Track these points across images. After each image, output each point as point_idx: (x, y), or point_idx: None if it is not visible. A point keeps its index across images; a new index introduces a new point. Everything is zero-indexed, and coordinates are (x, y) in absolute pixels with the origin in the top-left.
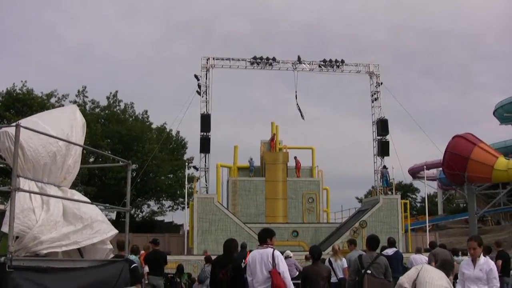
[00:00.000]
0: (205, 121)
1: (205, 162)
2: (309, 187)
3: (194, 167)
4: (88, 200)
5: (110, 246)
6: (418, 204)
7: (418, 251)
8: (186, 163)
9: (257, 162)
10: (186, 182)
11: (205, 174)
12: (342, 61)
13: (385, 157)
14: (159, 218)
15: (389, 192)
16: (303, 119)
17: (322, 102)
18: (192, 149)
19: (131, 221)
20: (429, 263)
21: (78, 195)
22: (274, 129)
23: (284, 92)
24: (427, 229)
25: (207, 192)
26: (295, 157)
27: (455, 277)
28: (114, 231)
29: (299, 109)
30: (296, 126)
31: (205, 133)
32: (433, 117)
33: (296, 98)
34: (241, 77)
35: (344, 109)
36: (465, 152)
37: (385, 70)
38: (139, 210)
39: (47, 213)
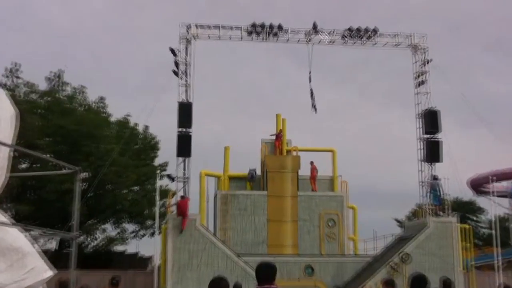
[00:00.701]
0: (185, 113)
1: (184, 169)
2: (329, 205)
3: (169, 177)
4: (17, 225)
5: None
6: (484, 231)
7: None
8: (158, 171)
9: (257, 170)
10: (158, 198)
11: (184, 186)
12: (375, 31)
13: (436, 164)
14: (119, 248)
15: (442, 213)
16: (315, 111)
17: (346, 87)
18: (166, 151)
19: (79, 252)
20: None
21: (2, 217)
22: (280, 124)
23: (294, 73)
24: (498, 266)
25: (184, 228)
26: (311, 163)
27: None
28: (52, 271)
29: (312, 97)
30: (310, 120)
31: (184, 129)
32: (503, 108)
33: (310, 81)
34: (235, 52)
35: (377, 97)
36: None
37: (435, 43)
38: (91, 237)
39: None
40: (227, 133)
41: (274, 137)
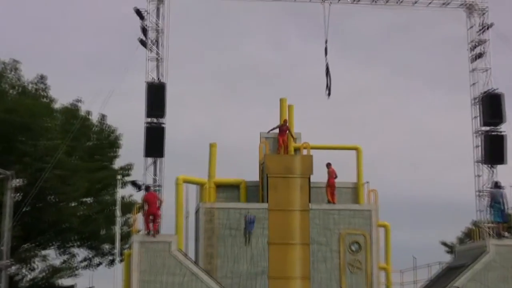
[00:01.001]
0: (156, 97)
1: (155, 174)
2: (353, 222)
3: (134, 184)
4: None
5: None
6: None
7: None
8: (119, 177)
9: (252, 174)
10: (119, 213)
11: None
12: None
13: (498, 166)
14: (67, 281)
15: (506, 234)
16: (328, 95)
17: (375, 64)
18: (130, 150)
19: (12, 287)
20: None
21: None
22: (285, 112)
23: (305, 44)
24: None
25: (158, 232)
26: (328, 166)
27: None
28: None
29: (328, 76)
30: (326, 108)
31: (155, 120)
32: None
33: (326, 54)
34: (224, 15)
35: (416, 77)
36: None
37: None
38: (27, 267)
39: None
40: (213, 125)
41: (277, 131)
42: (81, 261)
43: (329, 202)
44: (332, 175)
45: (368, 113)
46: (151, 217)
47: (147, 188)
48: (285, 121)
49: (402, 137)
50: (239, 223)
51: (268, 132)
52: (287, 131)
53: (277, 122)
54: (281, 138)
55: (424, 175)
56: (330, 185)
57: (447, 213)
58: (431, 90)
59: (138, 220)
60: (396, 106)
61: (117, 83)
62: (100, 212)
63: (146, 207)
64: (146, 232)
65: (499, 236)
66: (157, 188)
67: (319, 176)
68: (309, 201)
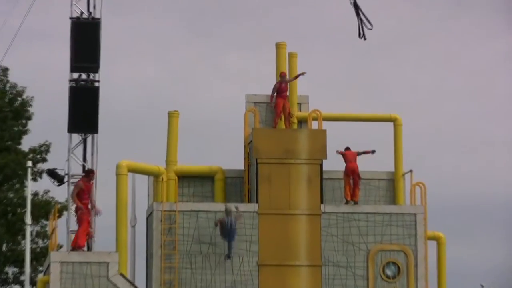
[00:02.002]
0: (85, 41)
1: (85, 158)
2: (388, 232)
3: (52, 174)
4: None
5: None
6: None
7: None
8: (29, 162)
9: (233, 159)
10: (28, 219)
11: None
12: None
13: None
14: None
15: None
16: (364, 38)
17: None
18: (46, 122)
19: None
20: None
21: None
22: (284, 62)
23: None
24: None
25: (88, 249)
26: (345, 153)
27: None
28: None
29: (358, 11)
30: (346, 58)
31: (83, 76)
32: None
33: None
34: None
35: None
36: None
37: None
38: None
39: None
40: (172, 83)
41: (272, 91)
42: None
43: (348, 201)
44: (351, 157)
45: (406, 68)
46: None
47: (88, 172)
48: (282, 74)
49: (459, 105)
50: (214, 234)
51: (271, 100)
52: (286, 91)
53: (272, 80)
54: (281, 102)
55: (492, 162)
56: (350, 174)
57: None
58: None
59: (60, 228)
60: (450, 58)
61: (24, 19)
62: (1, 216)
63: (79, 205)
64: (70, 248)
65: None
66: (87, 178)
67: (337, 161)
68: (321, 201)
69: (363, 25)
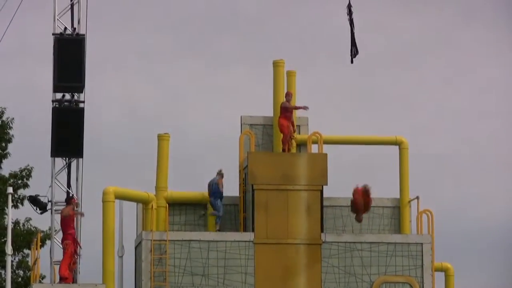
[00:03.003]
0: (69, 59)
1: (69, 184)
2: (393, 263)
3: (34, 201)
4: None
5: None
6: None
7: None
8: (10, 189)
9: (227, 185)
10: (9, 249)
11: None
12: None
13: None
14: None
15: None
16: (352, 58)
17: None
18: (28, 145)
19: None
20: None
21: None
22: (282, 81)
23: None
24: None
25: (74, 280)
26: (363, 190)
27: None
28: None
29: (352, 27)
30: (349, 76)
31: (67, 96)
32: None
33: None
34: None
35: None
36: None
37: None
38: None
39: None
40: (163, 104)
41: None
42: None
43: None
44: (361, 195)
45: (412, 85)
46: (76, 250)
47: (70, 200)
48: (288, 94)
49: (470, 126)
50: (208, 266)
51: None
52: (290, 112)
53: (268, 98)
54: (286, 124)
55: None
56: (357, 204)
57: None
58: None
59: (42, 259)
60: (458, 72)
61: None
62: None
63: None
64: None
65: None
66: (73, 207)
67: (338, 187)
68: (322, 230)
69: (355, 46)
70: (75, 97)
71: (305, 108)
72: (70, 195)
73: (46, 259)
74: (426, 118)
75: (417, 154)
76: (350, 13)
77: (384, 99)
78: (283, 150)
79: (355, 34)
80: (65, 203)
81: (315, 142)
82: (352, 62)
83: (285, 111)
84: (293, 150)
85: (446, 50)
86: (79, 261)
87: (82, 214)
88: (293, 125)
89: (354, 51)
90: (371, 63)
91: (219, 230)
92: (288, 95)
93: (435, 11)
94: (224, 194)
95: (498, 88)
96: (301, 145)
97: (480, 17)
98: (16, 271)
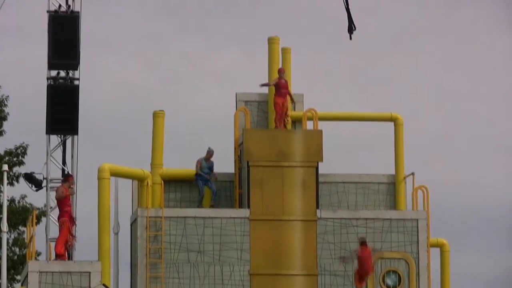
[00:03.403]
0: (64, 36)
1: (64, 161)
2: (388, 239)
3: (30, 178)
4: None
5: None
6: None
7: None
8: (5, 166)
9: (222, 161)
10: (5, 226)
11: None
12: None
13: None
14: None
15: None
16: (350, 35)
17: None
18: (23, 122)
19: None
20: None
21: None
22: (277, 58)
23: None
24: None
25: (69, 257)
26: (362, 243)
27: None
28: None
29: (347, 4)
30: (345, 53)
31: (62, 73)
32: None
33: None
34: None
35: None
36: None
37: None
38: None
39: None
40: (157, 81)
41: (265, 88)
42: None
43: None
44: (366, 260)
45: (407, 66)
46: (73, 228)
47: (67, 177)
48: (281, 71)
49: (464, 106)
50: (203, 243)
51: (262, 86)
52: (284, 87)
53: (263, 76)
54: (281, 101)
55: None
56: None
57: None
58: None
59: (38, 236)
60: (454, 55)
61: None
62: None
63: (64, 208)
64: (56, 255)
65: None
66: (67, 183)
67: (333, 164)
68: (317, 206)
69: (352, 22)
70: (70, 74)
71: (267, 85)
72: (66, 172)
73: (41, 236)
74: (423, 97)
75: (413, 133)
76: None
77: (380, 78)
78: (276, 128)
79: (350, 10)
80: (61, 181)
81: (310, 119)
82: (350, 38)
83: (278, 88)
84: (288, 126)
85: (444, 32)
86: (75, 240)
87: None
88: (292, 100)
89: (352, 27)
90: (368, 44)
91: (212, 207)
92: (280, 72)
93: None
94: (220, 171)
95: (496, 69)
96: (296, 121)
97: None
98: (12, 248)
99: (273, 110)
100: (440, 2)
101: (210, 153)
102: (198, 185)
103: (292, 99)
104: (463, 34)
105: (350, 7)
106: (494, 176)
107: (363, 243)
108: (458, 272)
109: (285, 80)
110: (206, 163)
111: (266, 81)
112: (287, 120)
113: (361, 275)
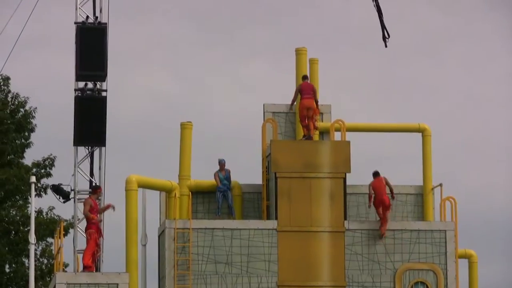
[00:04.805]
0: (91, 48)
1: (92, 173)
2: (416, 251)
3: (57, 190)
4: None
5: None
6: None
7: None
8: (33, 178)
9: (250, 173)
10: (33, 238)
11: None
12: None
13: None
14: None
15: None
16: (386, 43)
17: None
18: (51, 134)
19: None
20: None
21: None
22: (305, 69)
23: None
24: None
25: (97, 269)
26: (376, 175)
27: None
28: None
29: (380, 14)
30: (373, 64)
31: (90, 85)
32: None
33: None
34: None
35: None
36: None
37: None
38: None
39: None
40: (185, 93)
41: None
42: None
43: (379, 215)
44: (380, 189)
45: (435, 74)
46: (99, 240)
47: (95, 189)
48: (305, 77)
49: (492, 115)
50: (231, 254)
51: (291, 108)
52: (311, 98)
53: (291, 87)
54: (306, 107)
55: None
56: (381, 206)
57: None
58: None
59: (66, 247)
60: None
61: (25, 25)
62: (1, 236)
63: (94, 220)
64: (84, 266)
65: None
66: (95, 195)
67: (361, 175)
68: (345, 217)
69: (385, 30)
70: (98, 86)
71: (292, 103)
72: (94, 184)
73: (69, 248)
74: (450, 106)
75: (441, 142)
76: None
77: (407, 87)
78: (303, 134)
79: (383, 18)
80: (88, 193)
81: (338, 130)
82: (386, 46)
83: (302, 93)
84: (316, 137)
85: (470, 39)
86: (102, 251)
87: (109, 208)
88: (316, 103)
89: (386, 35)
90: (395, 53)
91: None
92: (305, 78)
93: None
94: (247, 182)
95: None
96: (324, 132)
97: (503, 5)
98: (40, 260)
99: (306, 121)
100: (467, 8)
101: (221, 162)
102: (217, 198)
103: (316, 101)
104: (490, 40)
105: (383, 15)
106: None
107: (376, 174)
108: (486, 283)
109: (308, 82)
110: (221, 174)
111: (293, 91)
112: (311, 125)
113: (378, 204)
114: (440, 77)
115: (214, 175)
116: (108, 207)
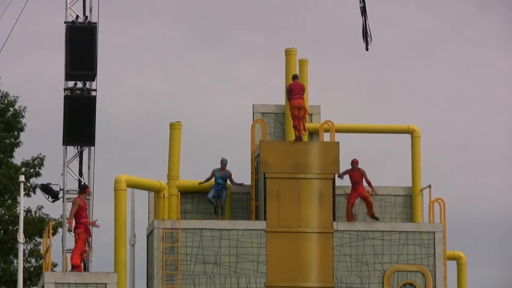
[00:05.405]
0: (81, 47)
1: (81, 172)
2: (405, 252)
3: (46, 189)
4: None
5: None
6: None
7: None
8: (22, 177)
9: (239, 173)
10: (21, 237)
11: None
12: None
13: None
14: None
15: None
16: (367, 46)
17: None
18: (40, 134)
19: None
20: None
21: None
22: (294, 70)
23: None
24: None
25: (85, 268)
26: (354, 164)
27: None
28: None
29: (364, 13)
30: (359, 64)
31: (79, 85)
32: None
33: None
34: None
35: None
36: None
37: None
38: None
39: None
40: (175, 93)
41: (282, 99)
42: None
43: (370, 215)
44: (357, 179)
45: (426, 77)
46: (88, 240)
47: (83, 189)
48: (295, 77)
49: (480, 117)
50: (220, 255)
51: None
52: (300, 98)
53: (281, 87)
54: (296, 106)
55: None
56: (360, 193)
57: None
58: None
59: (54, 247)
60: (469, 67)
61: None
62: None
63: (80, 220)
64: (72, 266)
65: None
66: (83, 195)
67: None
68: (334, 218)
69: (368, 32)
70: (87, 85)
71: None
72: (83, 183)
73: (58, 247)
74: (441, 108)
75: (430, 143)
76: (362, 0)
77: (397, 88)
78: (295, 135)
79: (368, 22)
80: (77, 192)
81: (327, 131)
82: (367, 49)
83: (292, 93)
84: (305, 138)
85: (461, 41)
86: (91, 251)
87: (94, 225)
88: (306, 111)
89: (367, 39)
90: (385, 55)
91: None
92: (295, 78)
93: (450, 2)
94: (237, 182)
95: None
96: (313, 133)
97: (495, 7)
98: (28, 259)
99: (290, 122)
100: (457, 11)
101: (222, 162)
102: (209, 196)
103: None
104: (480, 42)
105: (367, 19)
106: None
107: (354, 162)
108: (474, 285)
109: (298, 82)
110: (219, 173)
111: (283, 91)
112: (300, 125)
113: (355, 194)
114: (431, 79)
115: (212, 171)
116: (93, 223)
